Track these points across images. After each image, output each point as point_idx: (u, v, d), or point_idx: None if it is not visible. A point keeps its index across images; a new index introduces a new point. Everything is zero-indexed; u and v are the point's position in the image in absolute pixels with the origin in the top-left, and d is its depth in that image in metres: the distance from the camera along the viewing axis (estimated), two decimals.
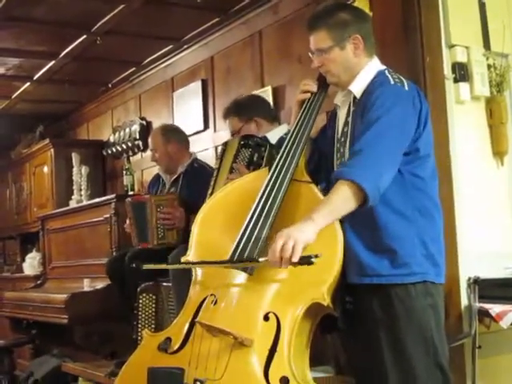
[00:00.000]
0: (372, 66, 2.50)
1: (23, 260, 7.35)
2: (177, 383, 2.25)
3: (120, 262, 4.17)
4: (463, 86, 3.44)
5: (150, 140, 4.52)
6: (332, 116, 2.66)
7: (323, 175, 2.61)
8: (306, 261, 2.15)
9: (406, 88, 2.40)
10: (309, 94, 2.59)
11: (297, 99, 2.63)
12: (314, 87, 2.58)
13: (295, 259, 2.14)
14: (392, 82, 2.40)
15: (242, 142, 3.26)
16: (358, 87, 2.47)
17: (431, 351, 2.36)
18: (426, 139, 2.44)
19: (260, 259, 2.26)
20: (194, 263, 2.51)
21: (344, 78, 2.49)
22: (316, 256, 2.14)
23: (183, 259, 2.54)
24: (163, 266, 2.81)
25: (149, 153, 4.55)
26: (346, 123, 2.51)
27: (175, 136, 4.36)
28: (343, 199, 2.24)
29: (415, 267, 2.35)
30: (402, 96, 2.37)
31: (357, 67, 2.48)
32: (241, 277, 2.37)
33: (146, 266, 2.57)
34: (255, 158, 3.17)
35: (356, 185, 2.21)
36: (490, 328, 3.23)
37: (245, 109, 3.67)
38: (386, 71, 2.48)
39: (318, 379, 2.33)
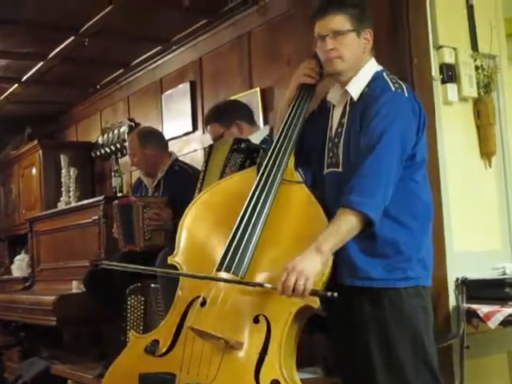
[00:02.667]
0: (371, 66, 2.49)
1: (11, 262, 7.30)
2: None
3: (97, 275, 4.18)
4: (451, 87, 3.46)
5: (127, 145, 4.50)
6: (322, 110, 2.62)
7: (311, 168, 2.61)
8: (317, 294, 2.21)
9: (406, 94, 2.40)
10: (310, 79, 2.56)
11: (297, 81, 2.59)
12: (316, 73, 2.55)
13: (306, 295, 2.19)
14: (393, 89, 2.39)
15: (235, 147, 3.22)
16: (355, 89, 2.45)
17: (420, 351, 2.36)
18: (423, 144, 2.45)
19: (266, 285, 2.25)
20: (188, 275, 2.46)
21: (350, 68, 2.45)
22: (332, 294, 2.16)
23: (170, 259, 2.52)
24: (126, 268, 2.73)
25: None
26: (340, 124, 2.49)
27: (152, 140, 4.32)
28: (350, 229, 2.27)
29: (409, 272, 2.37)
30: (403, 105, 2.37)
31: (360, 63, 2.46)
32: (231, 278, 2.34)
33: (108, 265, 2.55)
34: (247, 164, 3.13)
35: (363, 214, 2.24)
36: (478, 328, 3.24)
37: (225, 114, 3.66)
38: (384, 74, 2.47)
39: (306, 380, 2.33)
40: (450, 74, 3.45)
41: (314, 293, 2.19)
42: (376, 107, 2.34)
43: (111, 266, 2.63)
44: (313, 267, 2.20)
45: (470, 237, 3.44)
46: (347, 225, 2.26)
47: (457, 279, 3.29)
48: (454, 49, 3.51)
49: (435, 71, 3.44)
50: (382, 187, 2.29)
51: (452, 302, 3.28)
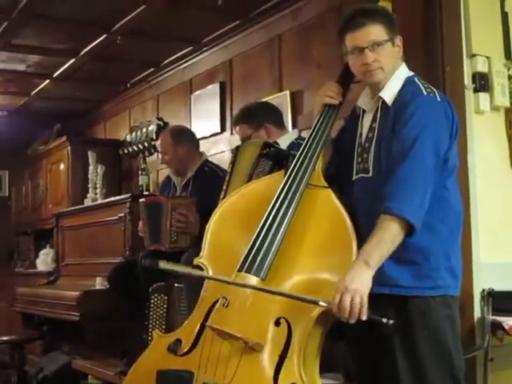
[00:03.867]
0: (402, 71, 2.47)
1: (36, 256, 7.38)
2: None
3: (123, 272, 4.20)
4: (483, 97, 3.43)
5: (159, 143, 4.49)
6: (353, 118, 2.62)
7: (341, 177, 2.60)
8: (375, 320, 2.16)
9: (439, 99, 2.38)
10: (333, 100, 2.56)
11: (322, 101, 2.58)
12: (339, 95, 2.55)
13: (364, 317, 2.16)
14: (425, 93, 2.37)
15: (264, 152, 3.17)
16: (389, 94, 2.42)
17: (447, 362, 2.34)
18: (455, 151, 2.43)
19: (320, 302, 2.20)
20: (223, 281, 2.38)
21: (387, 77, 2.43)
22: (387, 322, 2.13)
23: (196, 260, 2.52)
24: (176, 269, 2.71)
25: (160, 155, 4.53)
26: (371, 129, 2.47)
27: (185, 139, 4.32)
28: (394, 237, 2.23)
29: (438, 281, 2.34)
30: (436, 109, 2.35)
31: (394, 69, 2.45)
32: (253, 280, 2.33)
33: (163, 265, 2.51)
34: (275, 171, 3.11)
35: (404, 220, 2.22)
36: (503, 341, 3.21)
37: (254, 116, 3.65)
38: (416, 78, 2.45)
39: None
40: (482, 82, 3.42)
41: (369, 318, 2.16)
42: (408, 112, 2.32)
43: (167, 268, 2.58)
44: (365, 283, 2.17)
45: (498, 247, 3.41)
46: (390, 233, 2.22)
47: (483, 290, 3.26)
48: (488, 57, 3.48)
49: (468, 80, 3.41)
50: (418, 192, 2.26)
51: (477, 313, 3.25)
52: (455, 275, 2.41)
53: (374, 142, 2.43)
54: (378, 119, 2.45)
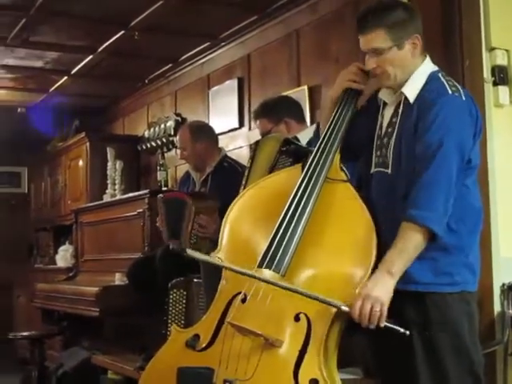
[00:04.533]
0: (425, 67, 2.42)
1: (56, 252, 7.41)
2: (206, 383, 2.24)
3: (141, 267, 4.21)
4: (502, 90, 3.41)
5: (178, 138, 4.49)
6: (371, 105, 2.58)
7: (355, 166, 2.58)
8: (393, 329, 2.19)
9: (463, 97, 2.34)
10: (356, 85, 2.51)
11: (342, 85, 2.53)
12: (364, 78, 2.49)
13: (382, 325, 2.19)
14: (450, 92, 2.33)
15: (284, 148, 3.16)
16: (411, 91, 2.38)
17: (465, 360, 2.32)
18: (477, 149, 2.40)
19: (343, 307, 2.21)
20: (249, 275, 2.34)
21: (399, 79, 2.39)
22: (405, 332, 2.18)
23: (213, 255, 2.52)
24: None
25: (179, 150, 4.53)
26: (391, 123, 2.44)
27: (204, 134, 4.32)
28: (417, 245, 2.24)
29: (456, 277, 2.33)
30: (460, 109, 2.32)
31: (412, 67, 2.39)
32: (272, 276, 2.33)
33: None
34: None
35: (428, 229, 2.22)
36: None
37: (274, 110, 3.64)
38: (440, 74, 2.40)
39: (346, 381, 2.31)
40: (501, 76, 3.40)
41: (386, 327, 2.19)
42: (432, 114, 2.28)
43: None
44: (387, 292, 2.19)
45: None
46: (413, 241, 2.23)
47: (503, 285, 3.24)
48: (507, 50, 3.45)
49: (487, 73, 3.39)
50: (443, 198, 2.24)
51: (497, 307, 3.24)
52: (473, 271, 2.39)
53: (393, 138, 2.40)
54: (399, 114, 2.41)
